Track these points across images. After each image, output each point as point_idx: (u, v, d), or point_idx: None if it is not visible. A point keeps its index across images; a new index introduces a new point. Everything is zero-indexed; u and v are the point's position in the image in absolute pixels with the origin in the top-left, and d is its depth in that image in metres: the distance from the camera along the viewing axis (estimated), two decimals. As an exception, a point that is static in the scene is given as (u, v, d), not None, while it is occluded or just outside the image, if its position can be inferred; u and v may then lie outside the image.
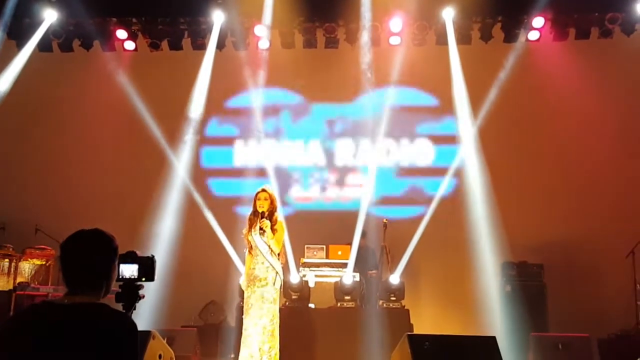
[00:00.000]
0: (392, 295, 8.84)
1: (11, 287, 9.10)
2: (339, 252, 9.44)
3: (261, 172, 10.95)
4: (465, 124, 10.84)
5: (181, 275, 9.57)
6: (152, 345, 5.73)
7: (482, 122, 10.56)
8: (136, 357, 2.47)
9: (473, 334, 7.55)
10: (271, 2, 10.39)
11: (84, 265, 2.57)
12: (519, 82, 10.48)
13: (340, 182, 11.20)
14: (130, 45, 11.00)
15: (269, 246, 6.59)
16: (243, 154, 11.36)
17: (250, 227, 6.69)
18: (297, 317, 8.45)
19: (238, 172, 11.17)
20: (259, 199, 6.67)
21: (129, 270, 3.09)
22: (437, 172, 11.01)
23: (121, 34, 10.87)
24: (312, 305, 8.88)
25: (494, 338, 6.00)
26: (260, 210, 6.63)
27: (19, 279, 9.38)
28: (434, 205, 10.70)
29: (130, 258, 3.09)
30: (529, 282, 9.55)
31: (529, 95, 10.82)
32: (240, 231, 6.98)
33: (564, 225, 10.27)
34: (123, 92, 10.78)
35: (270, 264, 6.58)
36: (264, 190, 6.71)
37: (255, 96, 11.23)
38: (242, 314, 6.81)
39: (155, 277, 3.17)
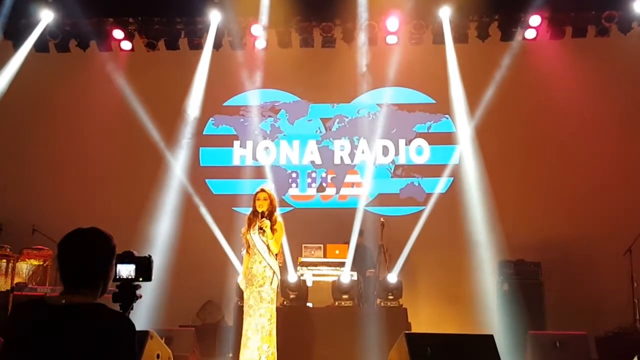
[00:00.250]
0: (390, 294, 8.85)
1: (9, 287, 9.08)
2: (337, 252, 9.44)
3: (259, 172, 10.96)
4: (462, 123, 10.86)
5: (179, 275, 9.58)
6: (150, 345, 5.72)
7: (479, 120, 10.57)
8: (134, 357, 2.47)
9: (471, 333, 7.59)
10: (268, 1, 10.41)
11: (82, 264, 2.56)
12: (515, 81, 10.49)
13: (338, 182, 11.20)
14: (126, 45, 11.01)
15: (268, 246, 6.60)
16: (241, 154, 11.35)
17: (249, 226, 6.70)
18: (295, 316, 8.46)
19: (236, 172, 11.17)
20: (258, 199, 6.67)
21: (126, 270, 3.09)
22: (434, 171, 11.03)
23: (118, 34, 10.88)
24: (310, 305, 8.89)
25: (491, 336, 6.01)
26: (259, 210, 6.64)
27: (16, 280, 9.35)
28: (431, 204, 10.73)
29: (127, 258, 3.09)
30: (526, 281, 9.55)
31: (526, 93, 10.83)
32: (238, 231, 6.98)
33: (561, 224, 10.28)
34: (120, 92, 10.78)
35: (268, 264, 6.59)
36: (263, 190, 6.72)
37: (253, 96, 11.25)
38: (242, 314, 6.81)
39: (153, 277, 3.16)
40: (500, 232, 9.98)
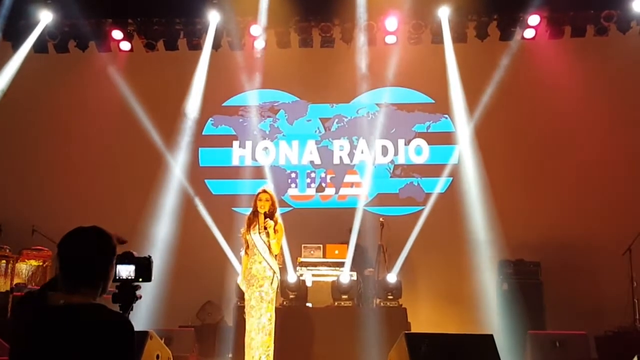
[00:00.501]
0: (390, 294, 8.85)
1: (8, 288, 9.08)
2: (336, 251, 9.44)
3: (258, 172, 10.96)
4: (462, 123, 10.86)
5: (178, 275, 9.57)
6: (149, 345, 5.72)
7: (478, 120, 10.58)
8: (133, 358, 2.47)
9: (470, 332, 7.58)
10: (266, 1, 10.42)
11: (82, 262, 2.56)
12: (515, 80, 10.50)
13: (337, 182, 11.20)
14: (125, 45, 11.01)
15: (269, 246, 6.61)
16: (240, 154, 11.35)
17: (249, 226, 6.72)
18: (295, 316, 8.47)
19: (235, 172, 11.17)
20: (260, 200, 6.70)
21: (125, 270, 3.09)
22: (434, 170, 11.03)
23: (117, 34, 10.88)
24: (309, 305, 8.89)
25: (491, 336, 6.01)
26: (261, 211, 6.67)
27: (16, 280, 9.36)
28: (430, 204, 10.74)
29: (127, 259, 3.08)
30: (526, 280, 9.57)
31: (525, 93, 10.83)
32: (237, 231, 6.99)
33: (560, 223, 10.28)
34: (119, 92, 10.77)
35: (268, 264, 6.60)
36: (265, 191, 6.75)
37: (252, 96, 11.25)
38: (242, 314, 6.83)
39: (153, 278, 3.16)
40: (500, 232, 9.97)
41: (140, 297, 3.16)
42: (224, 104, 11.48)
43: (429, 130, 11.26)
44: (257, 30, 10.67)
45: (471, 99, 10.68)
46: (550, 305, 9.46)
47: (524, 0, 10.16)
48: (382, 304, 8.86)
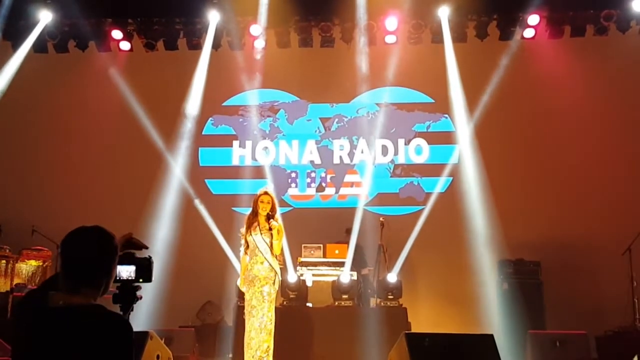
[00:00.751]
0: (390, 293, 8.85)
1: (8, 288, 9.08)
2: (336, 251, 9.43)
3: (258, 172, 10.96)
4: (462, 122, 10.86)
5: (179, 275, 9.57)
6: (150, 345, 5.72)
7: (478, 120, 10.58)
8: (132, 358, 2.47)
9: (471, 332, 7.60)
10: (266, 1, 10.42)
11: (84, 262, 2.55)
12: (514, 80, 10.50)
13: (337, 181, 11.20)
14: (125, 45, 11.02)
15: (270, 246, 6.63)
16: (240, 154, 11.35)
17: (249, 227, 6.73)
18: (295, 316, 8.47)
19: (235, 172, 11.17)
20: (261, 202, 6.72)
21: (126, 271, 3.08)
22: (434, 170, 11.03)
23: (116, 34, 10.88)
24: (309, 304, 8.89)
25: (491, 336, 6.02)
26: (262, 213, 6.69)
27: (16, 280, 9.35)
28: (430, 203, 10.74)
29: (127, 259, 3.08)
30: (526, 280, 9.57)
31: (525, 92, 10.83)
32: (237, 231, 6.98)
33: (560, 223, 10.29)
34: (119, 92, 10.78)
35: (270, 264, 6.62)
36: (266, 193, 6.77)
37: (252, 96, 11.25)
38: (242, 314, 6.84)
39: (153, 278, 3.16)
40: (500, 232, 9.97)
41: (141, 297, 3.16)
42: (224, 104, 11.48)
43: (429, 130, 11.26)
44: (257, 30, 10.67)
45: (471, 99, 10.68)
46: (550, 305, 9.46)
47: (523, 0, 10.16)
48: (382, 303, 8.86)
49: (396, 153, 11.22)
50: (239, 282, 6.92)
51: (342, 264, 9.24)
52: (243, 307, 6.91)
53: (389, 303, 8.80)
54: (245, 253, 6.78)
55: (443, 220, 10.45)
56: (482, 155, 10.59)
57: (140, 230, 9.78)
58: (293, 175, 11.30)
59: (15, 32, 10.66)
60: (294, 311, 8.60)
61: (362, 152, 11.25)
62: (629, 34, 10.41)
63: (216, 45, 10.93)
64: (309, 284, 9.08)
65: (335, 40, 10.87)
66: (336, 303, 8.82)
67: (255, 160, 11.26)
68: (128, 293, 3.11)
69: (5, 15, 10.28)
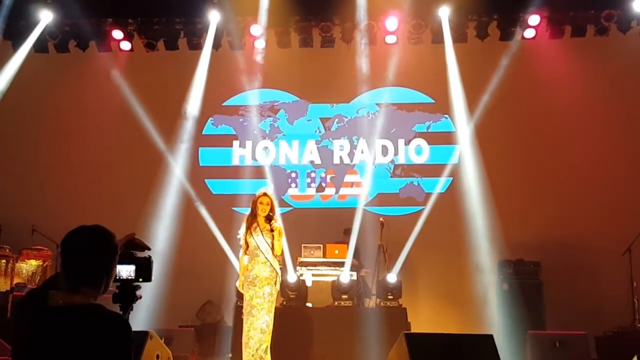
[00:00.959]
0: (390, 294, 8.84)
1: (8, 288, 9.09)
2: (336, 251, 9.42)
3: (258, 172, 10.97)
4: (462, 122, 10.86)
5: (178, 275, 9.58)
6: (149, 345, 5.72)
7: (478, 120, 10.58)
8: (131, 357, 2.47)
9: (470, 332, 7.59)
10: (267, 1, 10.42)
11: (84, 261, 2.56)
12: (515, 80, 10.49)
13: (337, 181, 11.20)
14: (126, 45, 11.02)
15: (272, 247, 6.64)
16: (240, 154, 11.35)
17: (249, 228, 6.73)
18: (295, 316, 8.46)
19: (235, 172, 11.17)
20: (261, 203, 6.73)
21: (126, 270, 3.09)
22: (434, 170, 11.03)
23: (117, 34, 10.89)
24: (309, 305, 8.88)
25: (491, 336, 6.01)
26: (262, 215, 6.70)
27: (16, 280, 9.36)
28: (430, 203, 10.74)
29: (127, 259, 3.08)
30: (526, 280, 9.56)
31: (525, 93, 10.83)
32: (237, 231, 6.97)
33: (560, 223, 10.29)
34: (119, 92, 10.78)
35: (271, 265, 6.64)
36: (265, 194, 6.78)
37: (252, 96, 11.25)
38: (241, 314, 6.84)
39: (153, 278, 3.16)
40: (500, 232, 9.98)
41: (141, 297, 3.16)
42: (224, 104, 11.48)
43: (429, 130, 11.26)
44: (257, 30, 10.67)
45: (471, 99, 10.68)
46: (550, 305, 9.46)
47: (524, 0, 10.16)
48: (382, 304, 8.85)
49: (396, 153, 11.22)
50: (237, 284, 6.92)
51: (341, 264, 9.23)
52: (242, 307, 6.91)
53: (388, 303, 8.79)
54: (245, 253, 6.78)
55: (443, 220, 10.45)
56: (482, 155, 10.59)
57: (140, 229, 9.77)
58: (293, 175, 11.30)
59: (15, 32, 10.67)
60: (293, 311, 8.60)
61: (362, 152, 11.26)
62: (630, 35, 10.41)
63: (216, 45, 10.93)
64: (308, 284, 9.08)
65: (335, 40, 10.87)
66: (336, 303, 8.82)
67: (255, 160, 11.26)
68: (128, 292, 3.12)
69: (6, 15, 10.29)
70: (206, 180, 11.23)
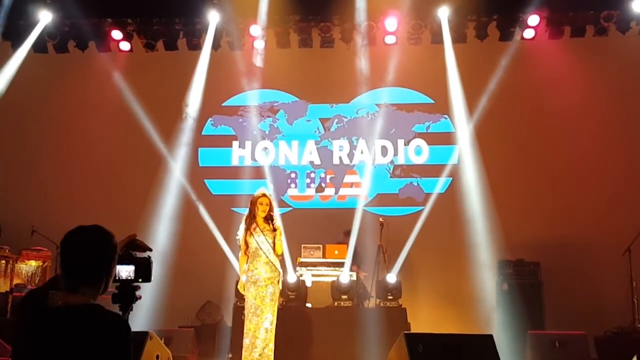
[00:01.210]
0: (389, 294, 8.83)
1: (8, 288, 9.08)
2: (336, 252, 9.42)
3: (258, 172, 10.96)
4: (461, 123, 10.87)
5: (178, 275, 9.58)
6: (149, 345, 5.72)
7: (478, 120, 10.58)
8: (130, 357, 2.47)
9: (470, 333, 7.59)
10: (266, 2, 10.42)
11: (84, 261, 2.56)
12: (514, 81, 10.50)
13: (337, 182, 11.20)
14: (125, 45, 11.02)
15: (273, 247, 6.65)
16: (239, 154, 11.34)
17: (249, 228, 6.73)
18: (295, 316, 8.45)
19: (234, 172, 11.17)
20: (261, 204, 6.75)
21: (125, 271, 3.09)
22: (433, 171, 11.02)
23: (116, 34, 10.89)
24: (309, 305, 8.88)
25: (491, 336, 6.02)
26: (262, 215, 6.71)
27: (15, 281, 9.35)
28: (430, 204, 10.74)
29: (126, 259, 3.09)
30: (525, 280, 9.56)
31: (524, 93, 10.83)
32: (237, 231, 6.97)
33: (560, 223, 10.29)
34: (119, 92, 10.79)
35: (273, 264, 6.65)
36: (264, 195, 6.79)
37: (251, 96, 11.25)
38: (241, 315, 6.84)
39: (152, 278, 3.16)
40: (500, 232, 9.98)
41: (140, 297, 3.16)
42: (223, 104, 11.47)
43: (428, 131, 11.26)
44: (257, 30, 10.68)
45: (471, 99, 10.68)
46: (550, 305, 9.46)
47: (523, 0, 10.17)
48: (381, 304, 8.84)
49: (396, 154, 11.22)
50: (238, 286, 6.92)
51: (341, 265, 9.23)
52: (242, 308, 6.91)
53: (388, 303, 8.78)
54: (245, 254, 6.78)
55: (443, 220, 10.45)
56: (482, 155, 10.59)
57: (139, 230, 9.72)
58: (292, 175, 11.30)
59: (15, 32, 10.66)
60: (293, 311, 8.59)
61: (361, 152, 11.25)
62: (629, 35, 10.41)
63: (216, 46, 10.93)
64: (308, 284, 9.08)
65: (335, 40, 10.87)
66: (335, 303, 8.82)
67: (254, 161, 11.26)
68: (127, 293, 3.12)
69: (5, 15, 10.28)
70: (206, 180, 11.23)
